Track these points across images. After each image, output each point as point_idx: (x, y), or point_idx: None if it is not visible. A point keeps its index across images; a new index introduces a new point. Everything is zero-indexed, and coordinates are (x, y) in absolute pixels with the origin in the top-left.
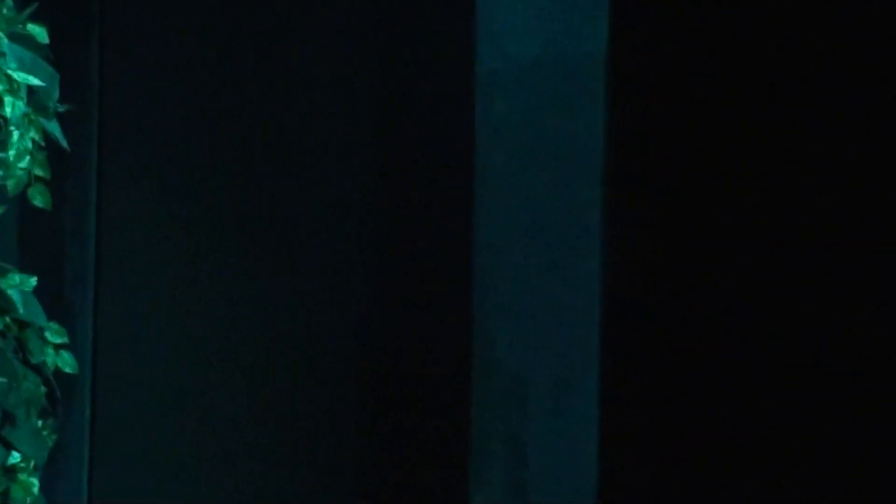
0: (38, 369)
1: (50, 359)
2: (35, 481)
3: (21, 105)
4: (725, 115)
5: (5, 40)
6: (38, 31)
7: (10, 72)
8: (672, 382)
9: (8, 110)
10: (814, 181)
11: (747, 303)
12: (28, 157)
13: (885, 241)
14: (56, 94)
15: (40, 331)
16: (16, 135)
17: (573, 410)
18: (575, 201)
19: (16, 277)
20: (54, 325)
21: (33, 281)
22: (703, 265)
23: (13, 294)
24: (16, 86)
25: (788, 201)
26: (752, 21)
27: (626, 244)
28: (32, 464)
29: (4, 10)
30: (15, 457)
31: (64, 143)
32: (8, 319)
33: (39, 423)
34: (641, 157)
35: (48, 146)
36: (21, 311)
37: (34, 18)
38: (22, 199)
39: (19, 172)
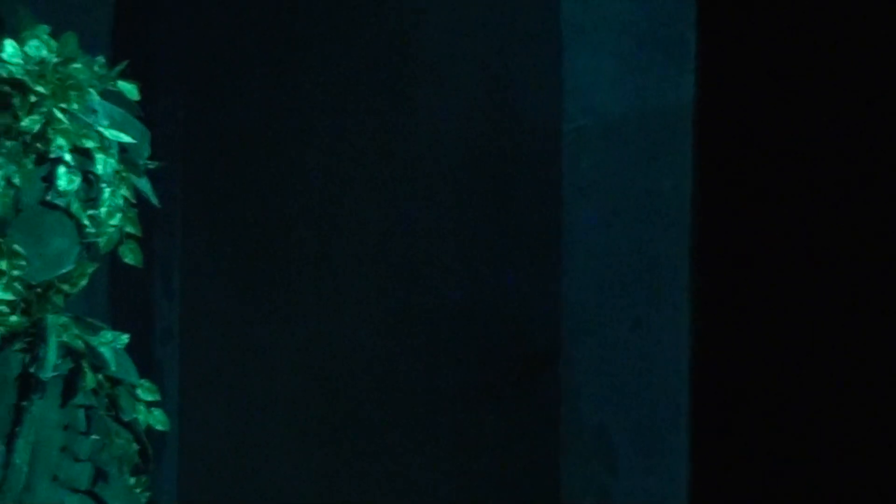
0: (130, 427)
1: (142, 416)
2: None
3: (113, 162)
4: (819, 166)
5: (97, 98)
6: (129, 89)
7: (101, 129)
8: (764, 439)
9: (100, 167)
10: None
11: (843, 354)
12: (119, 215)
13: None
14: (147, 152)
15: (132, 388)
16: (107, 192)
17: (662, 467)
18: (662, 256)
19: (108, 335)
20: (146, 383)
21: (125, 338)
22: (794, 319)
23: (105, 352)
24: (107, 143)
25: (886, 248)
26: (848, 66)
27: (714, 299)
28: None
29: (96, 68)
30: None
31: (155, 201)
32: (100, 377)
33: (132, 480)
34: (729, 211)
35: (137, 203)
36: (113, 368)
37: (123, 75)
38: (112, 256)
39: (110, 230)
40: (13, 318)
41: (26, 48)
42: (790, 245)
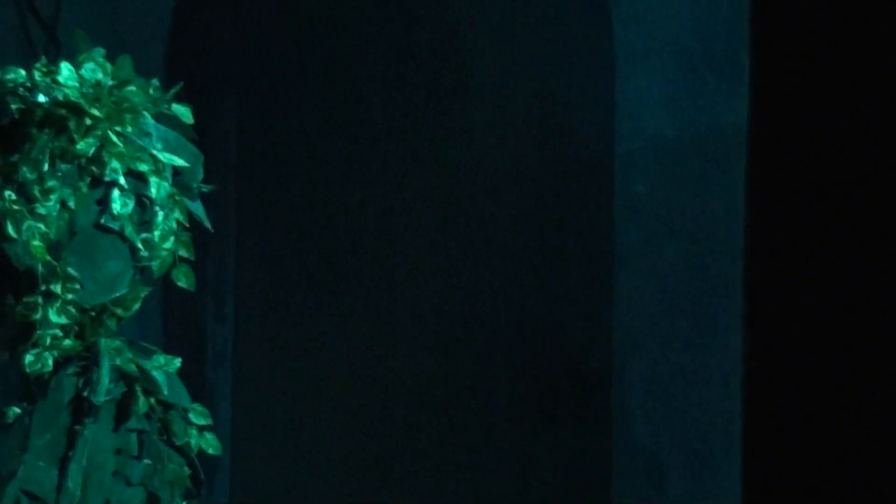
0: (182, 451)
1: (194, 440)
2: None
3: (166, 186)
4: (873, 188)
5: (151, 121)
6: (183, 112)
7: (155, 152)
8: (817, 463)
9: (153, 191)
10: None
11: None
12: (173, 238)
13: None
14: (200, 175)
15: (184, 412)
16: (161, 215)
17: (713, 489)
18: (714, 278)
19: (160, 358)
20: (198, 407)
21: (177, 362)
22: (849, 343)
23: (158, 375)
24: (161, 166)
25: None
26: None
27: (766, 322)
28: None
29: (151, 91)
30: None
31: (208, 224)
32: (153, 401)
33: None
34: (782, 233)
35: (190, 227)
36: (165, 392)
37: (178, 98)
38: (165, 280)
39: (164, 253)
40: (67, 342)
41: (82, 71)
42: (844, 268)
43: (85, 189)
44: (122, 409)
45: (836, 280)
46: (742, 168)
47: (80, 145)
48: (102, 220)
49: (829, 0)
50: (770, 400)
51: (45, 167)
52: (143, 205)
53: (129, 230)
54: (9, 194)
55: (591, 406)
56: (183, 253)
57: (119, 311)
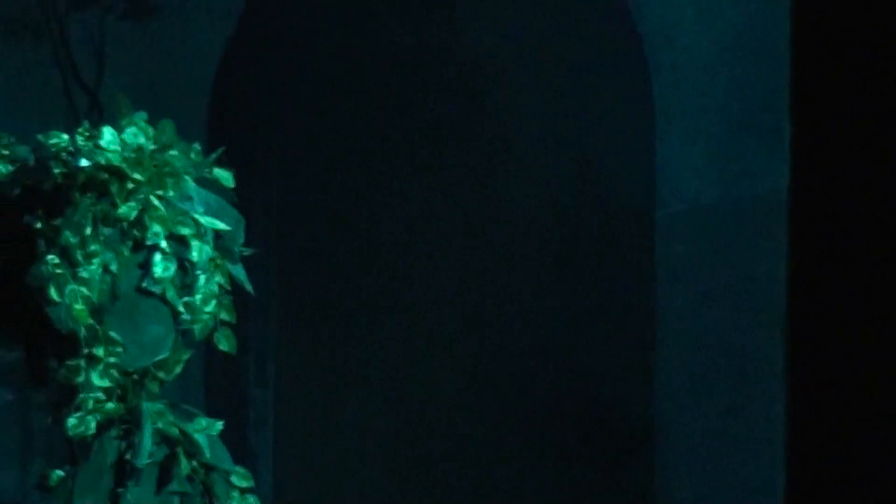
0: None
1: (236, 503)
2: None
3: (208, 249)
4: None
5: (193, 185)
6: (224, 176)
7: (197, 216)
8: None
9: (195, 254)
10: None
11: None
12: (214, 302)
13: None
14: (241, 239)
15: (226, 475)
16: (202, 279)
17: None
18: (755, 343)
19: (202, 422)
20: (240, 470)
21: (219, 425)
22: (895, 408)
23: (200, 439)
24: (203, 230)
25: None
26: None
27: (810, 389)
28: None
29: (192, 155)
30: None
31: (249, 288)
32: (195, 464)
33: None
34: (824, 299)
35: (231, 290)
36: (207, 455)
37: (219, 162)
38: (207, 343)
39: (205, 317)
40: (109, 405)
41: (124, 135)
42: (889, 335)
43: (127, 253)
44: (165, 472)
45: (881, 347)
46: (784, 232)
47: (122, 209)
48: (144, 284)
49: (871, 64)
50: (813, 465)
51: (88, 231)
52: (185, 268)
53: (170, 294)
54: (52, 258)
55: (632, 469)
56: (224, 316)
57: (161, 375)
